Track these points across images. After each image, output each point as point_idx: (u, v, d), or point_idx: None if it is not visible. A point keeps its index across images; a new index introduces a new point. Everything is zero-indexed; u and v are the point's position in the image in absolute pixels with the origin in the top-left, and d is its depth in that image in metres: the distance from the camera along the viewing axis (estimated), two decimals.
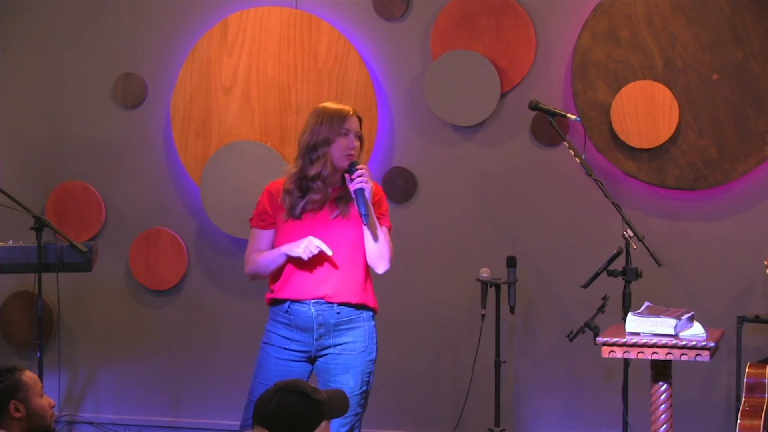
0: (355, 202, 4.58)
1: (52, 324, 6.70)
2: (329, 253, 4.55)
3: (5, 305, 6.83)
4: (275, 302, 4.70)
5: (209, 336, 6.67)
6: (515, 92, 6.25)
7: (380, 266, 4.65)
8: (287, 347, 4.65)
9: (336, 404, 3.54)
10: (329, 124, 4.59)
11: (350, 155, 4.59)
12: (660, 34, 6.04)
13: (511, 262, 5.95)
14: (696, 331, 4.74)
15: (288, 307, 4.64)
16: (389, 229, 4.70)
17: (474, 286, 6.01)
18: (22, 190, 6.50)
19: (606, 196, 5.44)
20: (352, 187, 4.55)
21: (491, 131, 6.31)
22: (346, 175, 4.59)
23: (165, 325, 6.71)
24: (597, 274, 5.42)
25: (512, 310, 5.96)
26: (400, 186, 6.40)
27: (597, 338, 4.75)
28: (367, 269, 4.68)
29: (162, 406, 6.71)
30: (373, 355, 4.68)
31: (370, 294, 4.69)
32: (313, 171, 4.58)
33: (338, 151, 4.58)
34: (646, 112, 6.03)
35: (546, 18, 6.22)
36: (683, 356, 4.61)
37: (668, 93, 6.01)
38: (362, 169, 4.56)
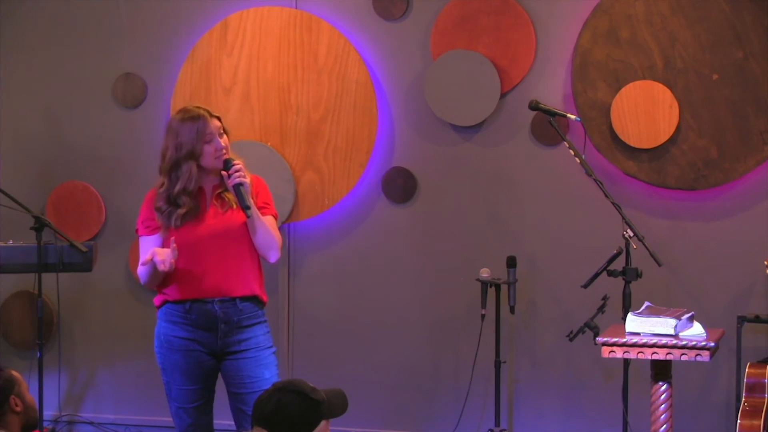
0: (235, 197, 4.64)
1: (52, 324, 6.70)
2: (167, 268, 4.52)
3: (5, 305, 6.83)
4: (172, 303, 4.67)
5: None
6: (515, 92, 6.25)
7: (271, 255, 4.68)
8: (191, 348, 4.66)
9: (335, 403, 3.53)
10: (190, 135, 4.57)
11: (220, 156, 4.62)
12: (660, 34, 6.04)
13: (511, 262, 5.95)
14: (696, 331, 4.74)
15: (189, 307, 4.63)
16: (275, 217, 4.76)
17: (474, 286, 6.01)
18: (22, 190, 6.50)
19: (606, 196, 5.44)
20: (230, 182, 4.58)
21: (491, 131, 6.30)
22: (223, 173, 4.61)
23: None
24: (597, 274, 5.42)
25: (512, 310, 5.97)
26: (400, 186, 6.39)
27: (597, 338, 4.76)
28: (259, 260, 4.73)
29: (162, 406, 6.65)
30: (275, 348, 4.76)
31: (262, 285, 4.74)
32: (177, 188, 4.59)
33: (209, 157, 4.59)
34: (646, 112, 6.03)
35: (546, 18, 6.22)
36: (683, 356, 4.61)
37: (668, 93, 6.01)
38: (238, 164, 4.59)
